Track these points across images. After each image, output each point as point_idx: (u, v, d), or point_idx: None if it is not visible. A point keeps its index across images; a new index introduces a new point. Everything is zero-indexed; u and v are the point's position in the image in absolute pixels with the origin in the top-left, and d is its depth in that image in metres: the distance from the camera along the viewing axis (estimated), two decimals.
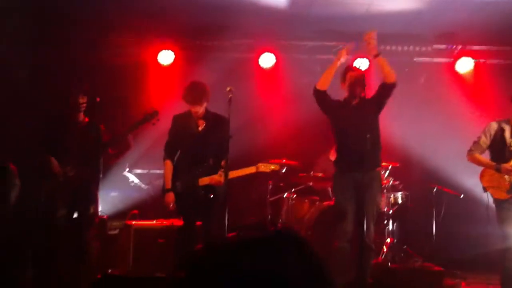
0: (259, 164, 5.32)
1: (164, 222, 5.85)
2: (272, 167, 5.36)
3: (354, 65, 5.43)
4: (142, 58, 8.07)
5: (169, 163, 5.31)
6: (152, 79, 8.08)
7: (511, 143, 5.13)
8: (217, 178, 5.10)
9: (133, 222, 6.02)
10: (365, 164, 4.98)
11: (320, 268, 1.28)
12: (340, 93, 5.37)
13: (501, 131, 5.18)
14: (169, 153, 5.35)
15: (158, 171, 6.49)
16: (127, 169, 7.06)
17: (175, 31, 7.87)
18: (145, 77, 8.07)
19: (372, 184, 5.11)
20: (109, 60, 7.83)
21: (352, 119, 5.11)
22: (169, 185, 5.24)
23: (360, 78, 5.14)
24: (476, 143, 5.31)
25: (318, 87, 5.21)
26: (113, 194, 6.65)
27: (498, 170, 5.10)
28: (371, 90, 5.36)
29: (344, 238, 5.11)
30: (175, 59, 8.00)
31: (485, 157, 5.34)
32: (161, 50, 7.97)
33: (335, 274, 4.97)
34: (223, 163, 5.16)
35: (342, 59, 5.28)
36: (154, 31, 7.84)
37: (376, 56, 5.17)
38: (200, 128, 5.28)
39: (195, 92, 5.18)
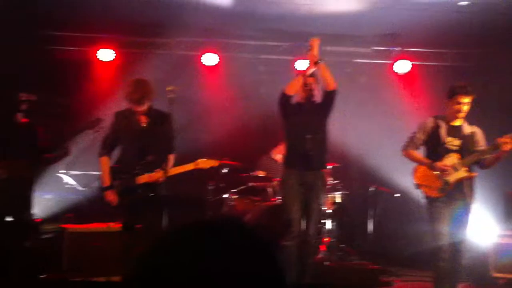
0: (198, 161, 5.27)
1: (101, 226, 5.75)
2: (212, 163, 5.33)
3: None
4: (83, 55, 7.91)
5: (106, 159, 5.14)
6: (92, 77, 7.93)
7: (446, 141, 5.11)
8: (156, 175, 5.03)
9: (68, 226, 5.89)
10: (311, 164, 5.25)
11: (274, 260, 1.27)
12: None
13: (436, 127, 5.15)
14: (107, 149, 5.17)
15: (96, 173, 6.36)
16: (64, 171, 6.90)
17: (116, 27, 7.74)
18: (86, 75, 7.92)
19: (317, 183, 5.31)
20: (47, 57, 7.63)
21: (302, 121, 5.33)
22: (108, 182, 5.09)
23: (313, 83, 5.37)
24: (411, 138, 5.27)
25: (286, 92, 5.36)
26: (48, 196, 6.47)
27: (432, 168, 5.08)
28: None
29: (290, 237, 5.23)
30: (116, 56, 7.89)
31: (420, 153, 5.31)
32: (101, 47, 7.83)
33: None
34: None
35: (313, 68, 5.36)
36: (95, 27, 7.69)
37: (317, 63, 5.29)
38: (142, 125, 5.18)
39: (138, 92, 5.04)
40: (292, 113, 5.41)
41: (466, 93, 5.03)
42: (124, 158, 5.17)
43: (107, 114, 5.47)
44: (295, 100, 5.47)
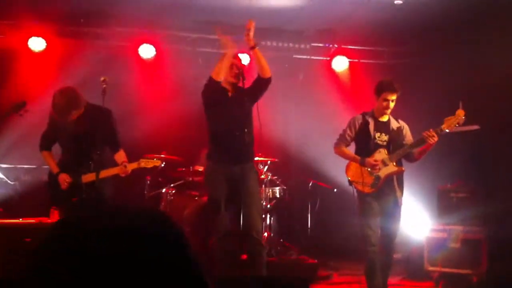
0: (141, 160, 5.12)
1: (32, 220, 5.48)
2: (155, 163, 5.18)
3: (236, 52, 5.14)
4: (11, 44, 7.52)
5: (47, 152, 5.12)
6: (22, 67, 7.56)
7: (375, 136, 5.22)
8: (99, 174, 4.85)
9: None
10: (240, 156, 4.92)
11: (196, 265, 1.19)
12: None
13: (365, 123, 5.25)
14: (45, 144, 5.11)
15: (26, 166, 6.10)
16: None
17: (48, 16, 7.40)
18: (15, 65, 7.54)
19: (250, 176, 5.00)
20: None
21: (228, 110, 4.96)
22: (56, 169, 5.00)
23: (238, 66, 4.99)
24: (342, 136, 5.35)
25: (213, 76, 4.90)
26: None
27: (363, 164, 5.18)
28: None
29: (218, 235, 5.01)
30: (47, 46, 7.53)
31: (351, 150, 5.40)
32: (31, 36, 7.46)
33: (215, 270, 5.00)
34: (117, 155, 5.02)
35: (229, 46, 4.96)
36: (25, 15, 7.32)
37: (253, 48, 4.94)
38: (79, 120, 4.93)
39: (62, 105, 4.78)
40: (218, 101, 4.99)
41: (392, 90, 5.15)
42: (66, 158, 5.04)
43: (37, 106, 5.24)
44: (221, 87, 5.01)
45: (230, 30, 5.22)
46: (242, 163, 4.95)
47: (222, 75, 4.92)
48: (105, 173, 4.93)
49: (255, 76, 5.13)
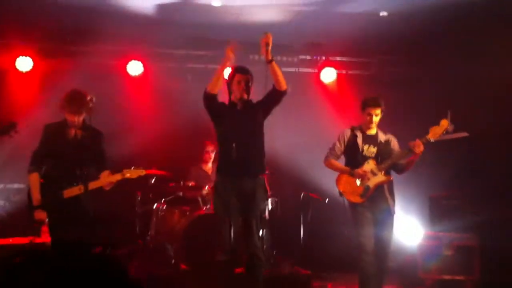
0: (124, 171, 5.06)
1: (22, 240, 5.44)
2: (139, 172, 5.13)
3: (242, 66, 5.07)
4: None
5: (36, 175, 4.87)
6: (10, 87, 7.54)
7: (363, 148, 5.38)
8: (85, 187, 4.81)
9: None
10: (249, 170, 4.85)
11: None
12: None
13: (354, 137, 5.43)
14: (37, 164, 4.91)
15: (16, 186, 6.06)
16: None
17: (35, 35, 7.41)
18: (3, 85, 7.52)
19: (257, 191, 4.92)
20: None
21: (238, 125, 4.90)
22: (38, 200, 4.82)
23: (248, 82, 4.98)
24: (332, 149, 5.53)
25: (208, 89, 4.89)
26: None
27: (352, 175, 5.33)
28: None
29: (224, 249, 4.89)
30: (34, 65, 7.54)
31: (341, 162, 5.54)
32: (19, 55, 7.47)
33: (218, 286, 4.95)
34: (103, 173, 4.96)
35: (230, 61, 4.95)
36: (12, 35, 7.33)
37: (270, 61, 4.91)
38: (74, 138, 4.94)
39: (76, 101, 4.84)
40: (224, 114, 4.97)
41: (375, 105, 5.34)
42: (53, 171, 4.92)
43: (26, 126, 5.21)
44: (229, 101, 5.04)
45: (241, 47, 5.15)
46: (251, 177, 4.89)
47: (217, 88, 4.91)
48: (92, 185, 4.88)
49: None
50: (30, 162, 4.94)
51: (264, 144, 5.05)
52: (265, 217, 6.49)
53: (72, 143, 4.94)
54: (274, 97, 5.02)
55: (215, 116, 5.03)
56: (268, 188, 5.71)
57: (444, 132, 5.14)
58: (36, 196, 4.84)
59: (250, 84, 4.98)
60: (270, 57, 4.89)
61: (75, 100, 4.87)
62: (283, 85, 4.98)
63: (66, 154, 4.90)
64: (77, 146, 4.93)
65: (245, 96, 4.97)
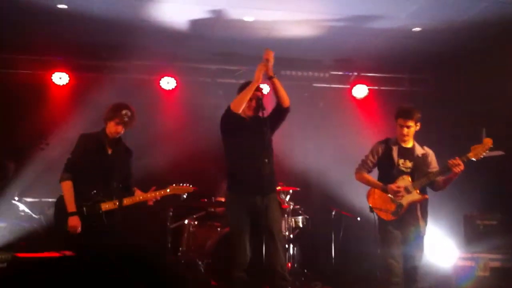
0: (171, 187, 5.12)
1: (54, 255, 5.48)
2: (186, 189, 5.17)
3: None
4: (36, 78, 7.67)
5: (69, 183, 4.84)
6: (46, 101, 7.69)
7: (399, 162, 5.16)
8: (124, 201, 4.85)
9: (21, 255, 5.59)
10: (261, 187, 4.74)
11: None
12: None
13: (388, 150, 5.22)
14: (71, 172, 4.88)
15: (50, 200, 6.12)
16: (16, 198, 6.61)
17: (70, 50, 7.56)
18: (39, 98, 7.67)
19: (273, 207, 4.89)
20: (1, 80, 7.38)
21: (248, 141, 4.89)
22: (73, 208, 4.78)
23: (259, 99, 4.96)
24: (364, 161, 5.33)
25: (232, 108, 4.87)
26: (1, 224, 6.18)
27: (385, 191, 5.13)
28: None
29: (240, 267, 4.86)
30: (70, 79, 7.70)
31: (374, 176, 5.34)
32: (55, 70, 7.63)
33: None
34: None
35: (259, 82, 4.93)
36: (48, 50, 7.49)
37: (271, 78, 4.91)
38: (110, 151, 4.99)
39: (122, 113, 4.88)
40: (236, 131, 4.94)
41: (406, 116, 5.14)
42: (85, 184, 4.88)
43: (59, 139, 5.29)
44: (239, 117, 4.98)
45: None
46: (264, 193, 4.79)
47: (241, 107, 4.89)
48: (127, 201, 4.92)
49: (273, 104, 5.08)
50: (64, 169, 4.93)
51: (273, 159, 4.98)
52: (286, 234, 6.43)
53: (108, 157, 4.98)
54: (279, 114, 5.02)
55: (228, 132, 5.00)
56: (290, 205, 5.66)
57: (487, 150, 4.92)
58: (71, 203, 4.81)
59: (261, 101, 4.94)
60: (271, 74, 4.90)
61: (121, 111, 4.89)
62: (287, 102, 4.98)
63: (99, 166, 4.92)
64: (112, 160, 4.97)
65: (255, 114, 4.98)
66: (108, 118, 4.95)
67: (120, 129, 4.94)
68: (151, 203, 5.06)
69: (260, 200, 4.78)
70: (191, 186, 5.20)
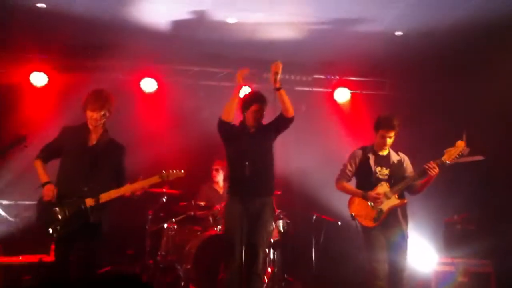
0: (163, 173, 4.96)
1: (31, 258, 5.40)
2: (178, 174, 4.99)
3: (259, 95, 5.23)
4: (13, 79, 7.52)
5: (40, 161, 4.78)
6: (24, 101, 7.55)
7: (376, 170, 5.25)
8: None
9: None
10: (258, 191, 4.98)
11: None
12: None
13: (365, 159, 5.30)
14: (44, 153, 4.82)
15: (26, 202, 6.04)
16: None
17: (50, 49, 7.43)
18: (16, 99, 7.52)
19: (265, 211, 5.04)
20: None
21: (249, 146, 5.03)
22: (45, 178, 4.70)
23: (263, 110, 5.14)
24: (342, 171, 5.40)
25: (224, 119, 5.08)
26: None
27: (365, 198, 5.20)
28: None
29: (232, 269, 4.92)
30: (49, 80, 7.55)
31: (353, 184, 5.42)
32: (33, 70, 7.48)
33: None
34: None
35: (243, 88, 5.19)
36: (27, 49, 7.35)
37: (278, 89, 5.08)
38: (91, 143, 4.80)
39: (98, 98, 4.77)
40: (235, 137, 5.12)
41: (389, 128, 5.22)
42: (66, 179, 4.70)
43: (38, 141, 5.16)
44: (241, 122, 5.22)
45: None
46: (261, 198, 5.04)
47: (231, 116, 5.09)
48: (106, 196, 4.67)
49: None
50: (39, 153, 4.84)
51: (274, 166, 5.19)
52: (270, 240, 6.39)
53: (90, 150, 4.79)
54: (282, 123, 5.20)
55: (227, 139, 5.19)
56: (276, 209, 5.71)
57: (460, 153, 5.01)
58: (43, 175, 4.74)
59: (264, 112, 5.17)
60: (278, 85, 5.07)
61: (99, 97, 4.78)
62: (291, 112, 5.14)
63: (79, 158, 4.73)
64: (95, 154, 4.78)
65: (259, 124, 5.16)
66: (84, 107, 4.82)
67: (96, 115, 4.75)
68: (138, 193, 4.85)
69: (257, 204, 5.00)
70: (182, 171, 5.05)
